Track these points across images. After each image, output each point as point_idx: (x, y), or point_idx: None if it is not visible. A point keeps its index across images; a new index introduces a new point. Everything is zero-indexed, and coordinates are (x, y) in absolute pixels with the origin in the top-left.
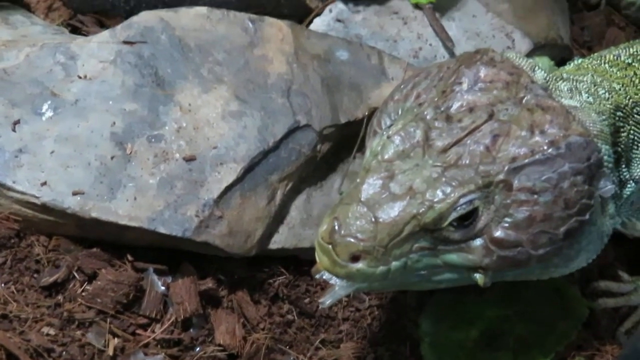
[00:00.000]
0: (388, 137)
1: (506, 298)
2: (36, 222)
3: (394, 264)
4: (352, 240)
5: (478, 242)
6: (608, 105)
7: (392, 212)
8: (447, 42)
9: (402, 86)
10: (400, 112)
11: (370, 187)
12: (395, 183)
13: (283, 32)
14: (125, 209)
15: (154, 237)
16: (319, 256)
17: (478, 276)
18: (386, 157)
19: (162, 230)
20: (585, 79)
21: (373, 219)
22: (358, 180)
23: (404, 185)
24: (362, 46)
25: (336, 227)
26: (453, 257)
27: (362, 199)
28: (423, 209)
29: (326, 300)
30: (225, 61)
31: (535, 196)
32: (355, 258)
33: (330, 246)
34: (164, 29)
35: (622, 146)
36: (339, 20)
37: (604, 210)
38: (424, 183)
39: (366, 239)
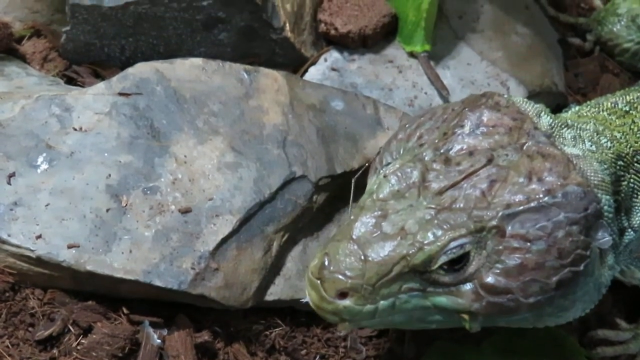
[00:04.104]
0: (384, 176)
1: (504, 348)
2: (31, 275)
3: (382, 303)
4: (340, 277)
5: (468, 286)
6: (610, 155)
7: (382, 251)
8: (442, 90)
9: (406, 125)
10: (401, 151)
11: (363, 225)
12: (387, 223)
13: (278, 83)
14: (120, 262)
15: (150, 290)
16: (307, 291)
17: (467, 321)
18: (381, 196)
19: (157, 283)
20: (588, 127)
21: (362, 257)
22: (352, 217)
23: (396, 226)
24: (357, 96)
25: (326, 263)
26: (442, 300)
27: (353, 237)
28: (413, 250)
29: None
30: (221, 112)
31: (528, 244)
32: (342, 295)
33: (318, 281)
34: (159, 80)
35: (622, 195)
36: (334, 69)
37: (602, 261)
38: (416, 224)
39: (354, 276)
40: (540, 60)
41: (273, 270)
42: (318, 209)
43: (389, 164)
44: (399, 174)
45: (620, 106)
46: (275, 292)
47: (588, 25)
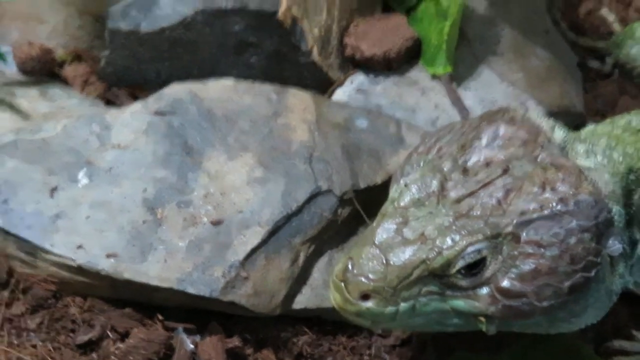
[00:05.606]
0: (405, 185)
1: (522, 357)
2: (72, 283)
3: (403, 305)
4: (363, 279)
5: (485, 290)
6: (622, 168)
7: (402, 255)
8: (462, 111)
9: (426, 139)
10: (422, 163)
11: (385, 231)
12: (408, 229)
13: (305, 102)
14: (155, 271)
15: (183, 297)
16: (332, 293)
17: (483, 323)
18: (402, 204)
19: (190, 290)
20: (600, 142)
21: (384, 261)
22: (374, 224)
23: (416, 231)
24: (380, 115)
25: (349, 267)
26: (460, 303)
27: (375, 242)
28: (432, 255)
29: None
30: (251, 130)
31: (542, 250)
32: (365, 297)
33: (342, 284)
34: (192, 100)
35: (634, 208)
36: (359, 91)
37: (613, 269)
38: (436, 230)
39: (376, 279)
40: (559, 81)
41: (300, 279)
42: (343, 222)
43: (409, 174)
44: (420, 183)
45: (633, 124)
46: (302, 301)
47: (607, 49)
